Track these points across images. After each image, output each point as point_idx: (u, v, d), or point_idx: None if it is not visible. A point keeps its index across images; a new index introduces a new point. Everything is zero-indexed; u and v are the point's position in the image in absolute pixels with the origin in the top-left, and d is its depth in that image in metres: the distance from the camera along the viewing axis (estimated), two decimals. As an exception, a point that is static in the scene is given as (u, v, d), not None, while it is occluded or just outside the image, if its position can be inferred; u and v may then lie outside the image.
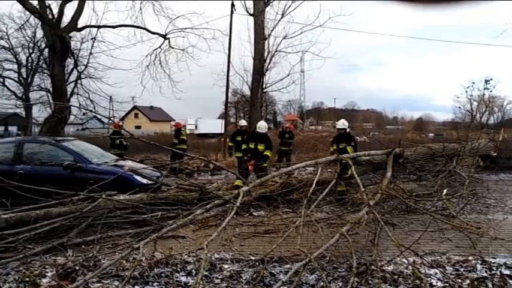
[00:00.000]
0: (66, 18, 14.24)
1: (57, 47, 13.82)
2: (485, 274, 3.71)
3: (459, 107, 38.32)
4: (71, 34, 14.84)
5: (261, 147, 8.02)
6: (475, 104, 34.59)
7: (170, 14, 16.03)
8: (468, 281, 3.53)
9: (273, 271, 3.91)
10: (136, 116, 57.86)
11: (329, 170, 8.12)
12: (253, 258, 4.24)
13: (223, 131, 21.08)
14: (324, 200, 6.34)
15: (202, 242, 3.80)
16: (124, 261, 3.90)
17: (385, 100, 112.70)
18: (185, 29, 16.25)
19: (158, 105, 53.81)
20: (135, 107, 51.91)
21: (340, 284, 3.59)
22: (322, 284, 3.46)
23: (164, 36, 16.21)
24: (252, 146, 8.10)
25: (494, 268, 3.83)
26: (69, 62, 17.14)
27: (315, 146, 15.91)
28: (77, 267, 3.76)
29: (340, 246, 4.22)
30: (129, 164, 8.32)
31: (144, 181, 7.03)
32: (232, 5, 18.72)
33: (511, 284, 3.42)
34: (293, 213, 5.97)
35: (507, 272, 3.74)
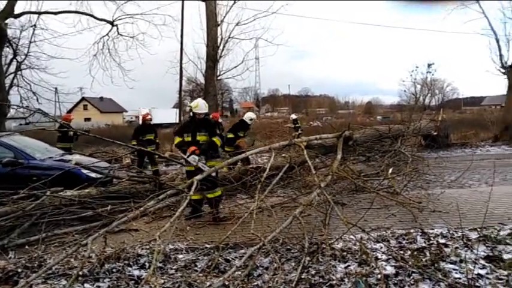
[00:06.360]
0: (1, 4, 13.10)
1: (-9, 35, 12.70)
2: (424, 244, 4.00)
3: (404, 90, 40.61)
4: (7, 21, 13.67)
5: (202, 137, 5.57)
6: (419, 87, 36.73)
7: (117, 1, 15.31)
8: (409, 252, 3.79)
9: (228, 257, 3.95)
10: (85, 107, 55.07)
11: (283, 155, 8.30)
12: (208, 246, 4.26)
13: (177, 121, 20.70)
14: (279, 184, 6.48)
15: (156, 233, 3.74)
16: (72, 259, 3.75)
17: (337, 85, 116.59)
18: (134, 15, 15.66)
19: (109, 95, 51.59)
20: (83, 99, 49.42)
21: (293, 264, 3.70)
22: (275, 265, 3.55)
23: (112, 23, 15.49)
24: (188, 138, 5.59)
25: (432, 238, 4.14)
26: (8, 51, 15.76)
27: (271, 133, 16.22)
28: (20, 270, 3.56)
29: (293, 228, 4.34)
30: (76, 158, 7.97)
31: (93, 175, 6.79)
32: (184, -10, 18.18)
33: (445, 251, 3.72)
34: (248, 199, 6.03)
35: (443, 241, 4.05)
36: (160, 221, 5.21)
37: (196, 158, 5.32)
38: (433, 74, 37.98)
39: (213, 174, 5.49)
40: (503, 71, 15.62)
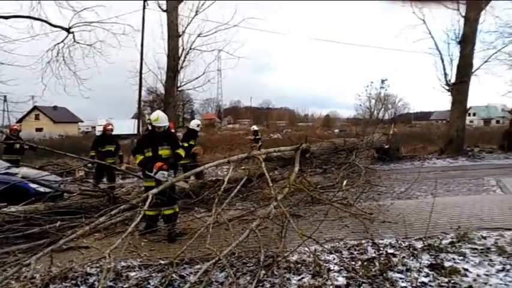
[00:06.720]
0: None
1: None
2: (374, 255, 4.17)
3: (360, 105, 42.48)
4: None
5: (164, 151, 5.35)
6: (373, 101, 38.54)
7: (75, 6, 14.79)
8: (360, 263, 3.93)
9: (183, 273, 3.89)
10: (37, 117, 52.15)
11: (242, 167, 8.34)
12: (162, 262, 4.16)
13: (136, 132, 20.20)
14: (237, 197, 6.49)
15: (106, 251, 3.60)
16: (13, 281, 3.52)
17: (297, 98, 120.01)
18: (92, 22, 15.16)
19: (63, 105, 49.26)
20: (35, 108, 46.73)
21: (249, 278, 3.71)
22: (230, 280, 3.54)
23: (68, 30, 14.93)
24: (148, 154, 5.34)
25: (381, 248, 4.33)
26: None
27: (232, 145, 16.30)
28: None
29: (250, 241, 4.36)
30: (23, 171, 7.54)
31: (42, 189, 6.46)
32: (145, 0, 18.01)
33: (393, 261, 3.91)
34: (206, 213, 5.98)
35: (391, 250, 4.25)
36: (113, 237, 5.03)
37: (166, 173, 5.13)
38: (386, 90, 40.13)
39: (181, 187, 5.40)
40: (447, 88, 16.75)
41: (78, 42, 15.28)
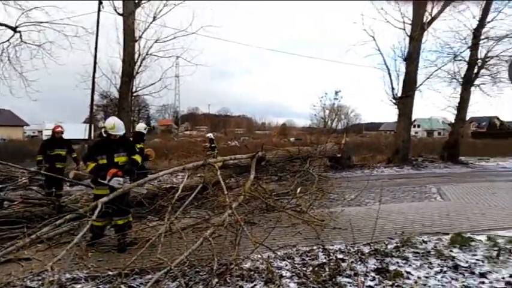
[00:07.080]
0: None
1: None
2: (324, 260, 4.30)
3: (315, 114, 44.05)
4: None
5: (121, 159, 5.15)
6: (327, 111, 40.09)
7: (23, 5, 13.96)
8: (311, 268, 4.04)
9: (133, 284, 3.76)
10: (-24, 120, 48.04)
11: (198, 175, 8.25)
12: (111, 273, 3.99)
13: (88, 137, 19.37)
14: (192, 205, 6.39)
15: (49, 263, 3.40)
16: None
17: (255, 106, 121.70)
18: (42, 22, 14.37)
19: (6, 107, 45.87)
20: (-26, 109, 43.12)
21: (201, 287, 3.68)
22: (182, 289, 3.49)
23: (14, 29, 14.03)
24: (103, 161, 5.09)
25: (331, 254, 4.48)
26: None
27: (188, 153, 16.08)
28: None
29: (204, 249, 4.32)
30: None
31: (-22, 198, 5.98)
32: (100, 3, 17.42)
33: (342, 266, 4.06)
34: (159, 222, 5.84)
35: (341, 256, 4.42)
36: (58, 248, 4.74)
37: (121, 180, 4.92)
38: (339, 101, 42.02)
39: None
40: (394, 101, 17.77)
41: (25, 42, 14.47)
